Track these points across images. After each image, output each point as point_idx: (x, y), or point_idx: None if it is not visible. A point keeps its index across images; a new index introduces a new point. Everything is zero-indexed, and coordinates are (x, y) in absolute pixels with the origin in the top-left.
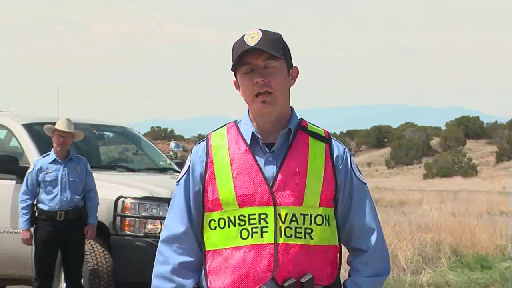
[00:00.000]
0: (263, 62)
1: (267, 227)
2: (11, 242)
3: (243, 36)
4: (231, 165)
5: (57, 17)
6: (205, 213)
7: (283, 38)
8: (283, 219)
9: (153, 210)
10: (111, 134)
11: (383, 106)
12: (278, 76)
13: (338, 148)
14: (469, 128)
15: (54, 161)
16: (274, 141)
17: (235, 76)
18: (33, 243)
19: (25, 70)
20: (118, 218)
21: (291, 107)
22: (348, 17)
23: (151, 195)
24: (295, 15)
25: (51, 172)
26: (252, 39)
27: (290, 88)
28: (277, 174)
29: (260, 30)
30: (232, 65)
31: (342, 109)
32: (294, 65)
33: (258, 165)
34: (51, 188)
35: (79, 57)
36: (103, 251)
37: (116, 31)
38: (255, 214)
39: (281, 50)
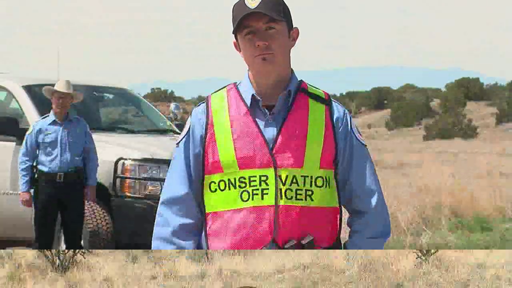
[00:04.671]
0: (264, 25)
1: (267, 189)
2: (11, 204)
3: None
4: (231, 127)
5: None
6: (205, 175)
7: None
8: (283, 181)
9: (153, 172)
10: (111, 96)
11: (383, 68)
12: (279, 39)
13: (338, 110)
14: (469, 89)
15: (53, 123)
16: (274, 103)
17: (235, 38)
18: (32, 204)
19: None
20: (118, 180)
21: (291, 69)
22: None
23: (151, 157)
24: None
25: (50, 134)
26: (253, 1)
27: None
28: (277, 136)
29: None
30: (233, 29)
31: (342, 70)
32: (294, 26)
33: (258, 127)
34: (50, 149)
35: (79, 21)
36: (103, 212)
37: None
38: (255, 176)
39: (281, 12)
